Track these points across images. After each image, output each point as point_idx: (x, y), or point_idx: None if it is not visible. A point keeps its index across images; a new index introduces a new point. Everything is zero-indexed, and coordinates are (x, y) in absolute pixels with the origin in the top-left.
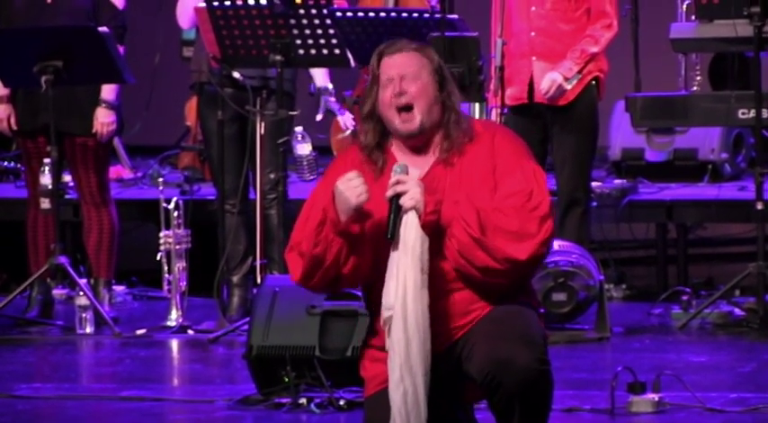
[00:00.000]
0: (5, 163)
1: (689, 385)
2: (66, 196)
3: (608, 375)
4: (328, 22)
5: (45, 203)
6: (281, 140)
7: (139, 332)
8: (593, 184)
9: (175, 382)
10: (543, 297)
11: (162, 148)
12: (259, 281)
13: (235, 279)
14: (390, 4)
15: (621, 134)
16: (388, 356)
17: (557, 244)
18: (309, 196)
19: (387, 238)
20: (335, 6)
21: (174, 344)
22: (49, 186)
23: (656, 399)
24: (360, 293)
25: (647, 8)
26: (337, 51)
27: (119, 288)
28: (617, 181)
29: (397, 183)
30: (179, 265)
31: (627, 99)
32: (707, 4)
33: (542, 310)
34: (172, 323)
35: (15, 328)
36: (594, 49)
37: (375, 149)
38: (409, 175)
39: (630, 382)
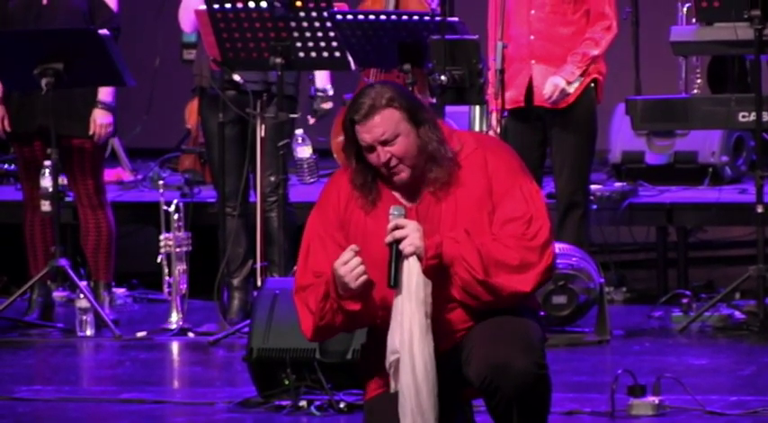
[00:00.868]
0: (6, 165)
1: (689, 388)
2: (67, 199)
3: (608, 378)
4: (328, 24)
5: (45, 206)
6: (281, 143)
7: (140, 335)
8: (594, 187)
9: (176, 384)
10: (543, 300)
11: (162, 150)
12: (259, 283)
13: (235, 282)
14: (391, 7)
15: (622, 137)
16: (399, 401)
17: (556, 247)
18: (306, 227)
19: (389, 286)
20: (336, 9)
21: (175, 346)
22: (50, 189)
23: (657, 402)
24: None
25: (648, 11)
26: (338, 54)
27: (119, 290)
28: (617, 184)
29: (396, 228)
30: (179, 267)
31: (627, 102)
32: (707, 7)
33: (542, 313)
34: (172, 326)
35: (16, 330)
36: (595, 52)
37: (365, 185)
38: (407, 219)
39: (631, 385)
